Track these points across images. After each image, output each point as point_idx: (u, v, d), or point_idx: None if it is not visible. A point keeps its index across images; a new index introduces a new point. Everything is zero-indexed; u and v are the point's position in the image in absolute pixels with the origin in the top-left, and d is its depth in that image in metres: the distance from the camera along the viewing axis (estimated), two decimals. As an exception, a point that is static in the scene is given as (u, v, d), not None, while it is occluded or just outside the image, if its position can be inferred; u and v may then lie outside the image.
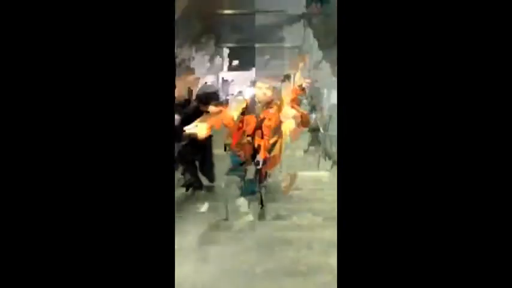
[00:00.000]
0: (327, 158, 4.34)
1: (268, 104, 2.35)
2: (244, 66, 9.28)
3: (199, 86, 2.49)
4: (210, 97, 2.34)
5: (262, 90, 2.32)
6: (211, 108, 2.32)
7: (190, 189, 3.18)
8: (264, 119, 2.37)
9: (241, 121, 2.39)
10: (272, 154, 2.45)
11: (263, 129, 2.38)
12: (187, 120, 2.31)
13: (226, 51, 8.91)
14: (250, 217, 2.41)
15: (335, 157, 3.82)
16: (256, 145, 2.43)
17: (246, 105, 2.40)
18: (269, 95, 2.33)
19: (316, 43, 6.50)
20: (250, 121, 2.39)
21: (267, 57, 9.20)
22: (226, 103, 2.46)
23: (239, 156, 2.57)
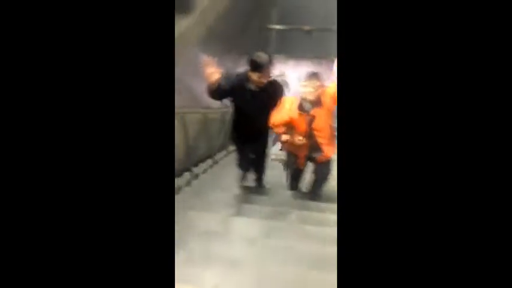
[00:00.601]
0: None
1: (316, 102, 2.21)
2: (288, 49, 9.14)
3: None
4: (261, 65, 2.10)
5: (307, 89, 2.18)
6: (257, 76, 2.13)
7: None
8: (314, 117, 2.24)
9: (292, 121, 2.28)
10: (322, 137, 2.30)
11: (314, 127, 2.27)
12: (234, 86, 2.22)
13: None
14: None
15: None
16: (310, 145, 2.33)
17: (297, 104, 2.25)
18: (314, 94, 2.17)
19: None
20: (301, 121, 2.26)
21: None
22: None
23: (296, 163, 2.53)
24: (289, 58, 9.51)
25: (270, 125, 2.37)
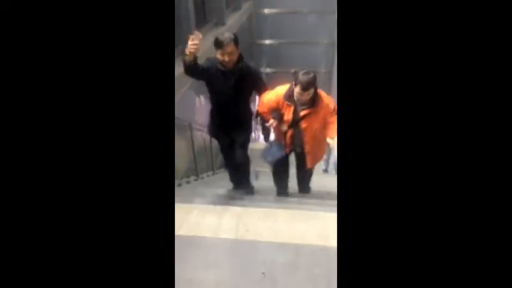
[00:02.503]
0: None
1: (306, 104, 2.21)
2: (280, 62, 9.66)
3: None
4: (221, 42, 2.10)
5: (303, 96, 2.14)
6: (220, 54, 2.13)
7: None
8: (303, 117, 2.24)
9: (279, 108, 2.28)
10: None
11: (301, 128, 2.28)
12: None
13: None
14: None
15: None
16: (292, 137, 2.35)
17: (286, 92, 2.23)
18: (306, 99, 2.15)
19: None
20: (288, 111, 2.27)
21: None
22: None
23: (283, 145, 2.43)
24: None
25: (257, 110, 2.41)
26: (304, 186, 2.80)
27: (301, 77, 2.07)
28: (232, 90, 2.25)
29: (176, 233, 1.71)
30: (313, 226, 1.79)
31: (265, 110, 2.33)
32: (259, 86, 2.36)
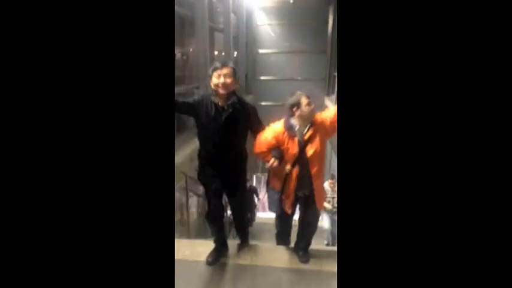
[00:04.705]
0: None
1: (310, 122, 1.94)
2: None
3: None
4: (219, 64, 1.89)
5: (309, 110, 1.91)
6: (217, 75, 1.87)
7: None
8: (308, 141, 1.93)
9: (279, 144, 1.95)
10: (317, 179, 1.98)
11: (307, 152, 1.94)
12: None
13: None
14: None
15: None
16: (298, 176, 1.97)
17: (286, 122, 1.96)
18: (313, 114, 1.93)
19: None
20: (291, 144, 1.94)
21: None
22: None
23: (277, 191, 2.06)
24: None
25: (254, 152, 2.03)
26: (301, 245, 2.26)
27: (298, 97, 1.92)
28: (225, 128, 1.91)
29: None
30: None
31: (264, 149, 1.99)
32: (255, 124, 2.04)
